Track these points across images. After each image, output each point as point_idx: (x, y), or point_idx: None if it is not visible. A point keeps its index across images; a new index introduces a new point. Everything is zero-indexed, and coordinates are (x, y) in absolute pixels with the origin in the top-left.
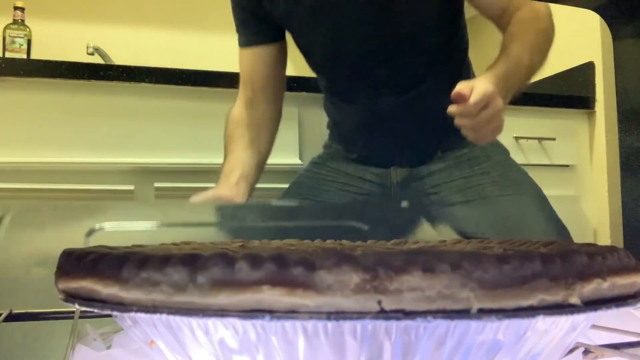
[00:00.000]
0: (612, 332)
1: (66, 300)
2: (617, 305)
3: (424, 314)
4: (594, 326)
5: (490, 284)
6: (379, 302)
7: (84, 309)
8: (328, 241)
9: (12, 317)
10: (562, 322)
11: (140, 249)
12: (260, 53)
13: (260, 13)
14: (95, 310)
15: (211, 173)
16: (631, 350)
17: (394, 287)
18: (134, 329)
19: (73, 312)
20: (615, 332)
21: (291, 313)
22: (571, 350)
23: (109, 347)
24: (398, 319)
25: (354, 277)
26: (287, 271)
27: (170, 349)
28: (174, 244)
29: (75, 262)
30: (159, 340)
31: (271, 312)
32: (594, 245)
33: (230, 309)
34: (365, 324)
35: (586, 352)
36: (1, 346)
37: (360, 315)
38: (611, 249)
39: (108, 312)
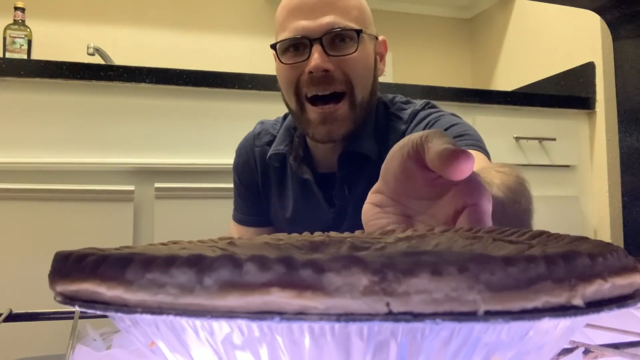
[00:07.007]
0: (612, 332)
1: (64, 303)
2: (618, 306)
3: (431, 316)
4: (594, 326)
5: (496, 286)
6: (387, 304)
7: (84, 310)
8: (316, 233)
9: (12, 317)
10: (563, 322)
11: (132, 250)
12: (255, 230)
13: (257, 194)
14: (97, 312)
15: (211, 173)
16: (631, 350)
17: (402, 290)
18: (134, 330)
19: (73, 312)
20: (615, 332)
21: (300, 315)
22: (571, 350)
23: (109, 347)
24: (406, 321)
25: (363, 280)
26: (295, 273)
27: (171, 349)
28: (162, 244)
29: (74, 264)
30: (159, 341)
31: (280, 314)
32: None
33: (239, 311)
34: (373, 325)
35: (586, 351)
36: (1, 346)
37: (368, 317)
38: (611, 249)
39: (111, 313)
